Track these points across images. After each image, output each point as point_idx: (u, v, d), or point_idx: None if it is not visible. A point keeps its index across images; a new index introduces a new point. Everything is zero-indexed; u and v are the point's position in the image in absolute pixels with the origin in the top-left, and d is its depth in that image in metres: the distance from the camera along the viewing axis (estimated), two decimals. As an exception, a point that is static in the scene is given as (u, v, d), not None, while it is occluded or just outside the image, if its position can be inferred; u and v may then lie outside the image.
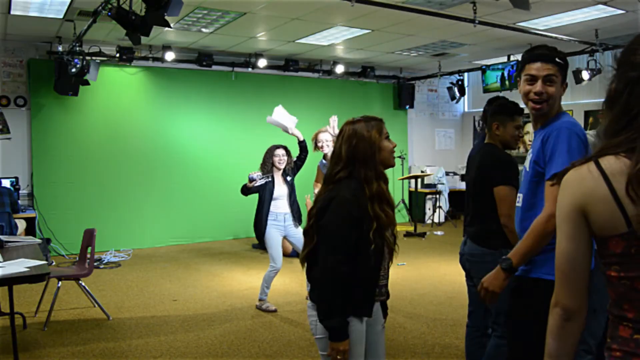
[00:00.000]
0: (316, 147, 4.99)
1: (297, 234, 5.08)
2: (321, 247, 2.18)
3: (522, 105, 2.66)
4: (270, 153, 5.07)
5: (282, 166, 5.03)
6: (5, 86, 7.55)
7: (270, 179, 5.01)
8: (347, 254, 2.13)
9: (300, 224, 5.11)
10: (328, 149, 4.81)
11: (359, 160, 2.20)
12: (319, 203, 2.23)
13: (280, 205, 5.00)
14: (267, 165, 5.04)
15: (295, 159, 5.16)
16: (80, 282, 4.87)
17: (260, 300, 5.11)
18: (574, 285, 1.27)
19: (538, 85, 2.13)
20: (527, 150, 2.47)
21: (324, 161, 5.02)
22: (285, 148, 5.11)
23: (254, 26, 7.04)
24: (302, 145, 5.12)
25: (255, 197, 5.10)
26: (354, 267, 2.15)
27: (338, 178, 2.22)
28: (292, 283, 6.09)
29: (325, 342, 2.18)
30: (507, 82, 8.64)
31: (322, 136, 4.91)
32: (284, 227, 5.02)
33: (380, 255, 2.22)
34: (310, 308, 2.25)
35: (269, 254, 5.04)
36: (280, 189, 5.02)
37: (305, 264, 2.31)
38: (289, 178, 5.09)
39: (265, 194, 4.99)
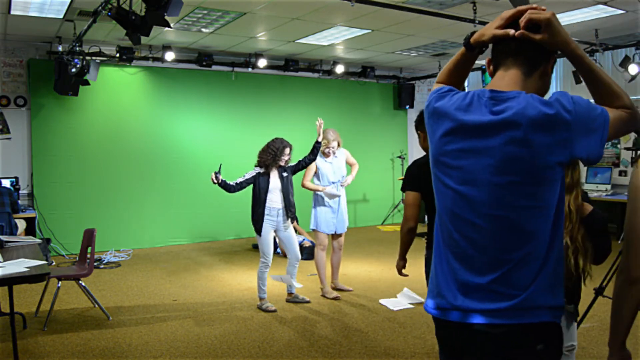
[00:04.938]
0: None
1: (287, 231, 5.09)
2: None
3: None
4: (280, 150, 4.97)
5: (284, 164, 5.06)
6: (5, 86, 7.55)
7: (262, 171, 5.00)
8: None
9: (293, 221, 5.13)
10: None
11: None
12: None
13: (274, 199, 4.99)
14: (269, 156, 4.98)
15: (305, 157, 5.18)
16: (80, 282, 4.88)
17: (260, 299, 5.11)
18: (637, 254, 1.45)
19: None
20: None
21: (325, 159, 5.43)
22: (291, 147, 5.09)
23: (254, 26, 7.04)
24: (318, 146, 5.15)
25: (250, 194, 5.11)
26: None
27: None
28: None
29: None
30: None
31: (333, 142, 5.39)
32: (277, 222, 5.02)
33: None
34: None
35: (259, 249, 5.05)
36: (275, 182, 5.02)
37: None
38: (285, 174, 5.08)
39: (259, 187, 4.96)
